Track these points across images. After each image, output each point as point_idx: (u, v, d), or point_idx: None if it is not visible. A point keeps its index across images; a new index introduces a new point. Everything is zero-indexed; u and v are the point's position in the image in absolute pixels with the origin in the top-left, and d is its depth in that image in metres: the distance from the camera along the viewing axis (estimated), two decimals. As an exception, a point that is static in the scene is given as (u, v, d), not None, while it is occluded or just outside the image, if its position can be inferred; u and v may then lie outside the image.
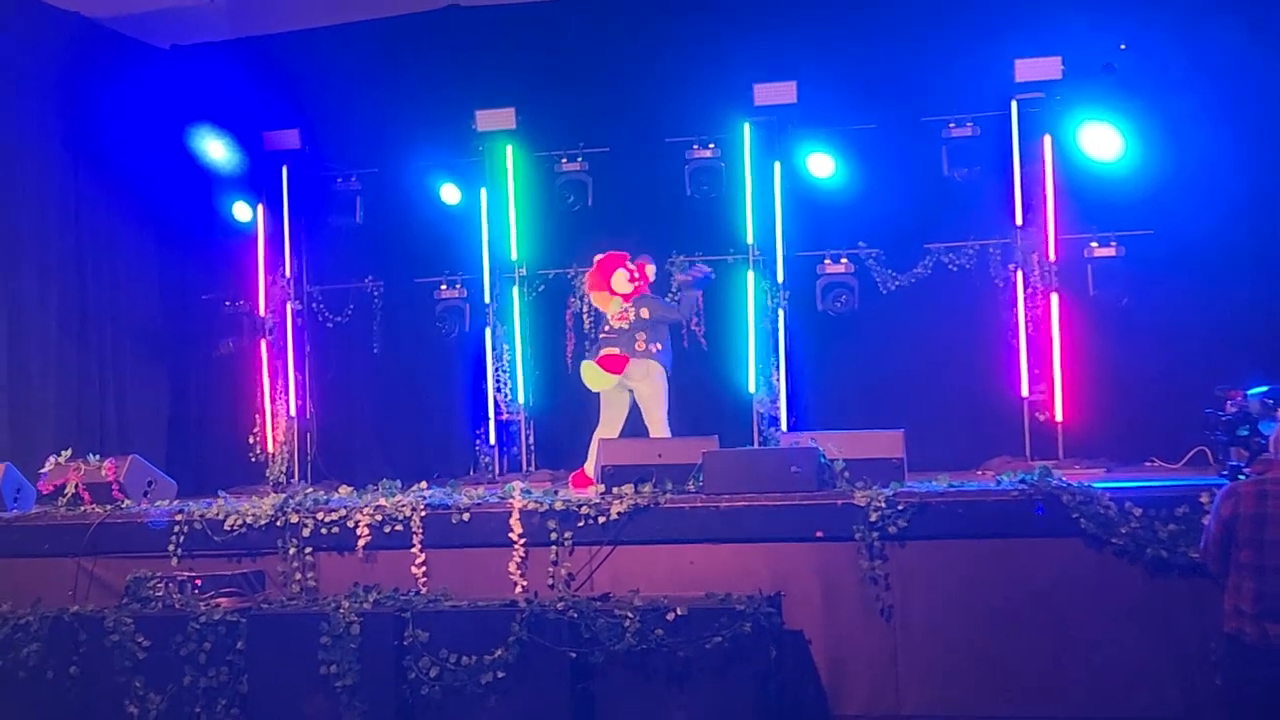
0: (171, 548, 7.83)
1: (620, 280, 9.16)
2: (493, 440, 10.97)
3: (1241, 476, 5.84)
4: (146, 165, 11.51)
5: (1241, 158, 9.71)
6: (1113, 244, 9.84)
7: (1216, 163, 9.69)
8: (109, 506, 8.31)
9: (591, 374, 9.03)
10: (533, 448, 11.12)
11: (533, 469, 10.90)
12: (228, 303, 11.52)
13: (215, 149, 11.37)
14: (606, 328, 9.22)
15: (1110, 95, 9.76)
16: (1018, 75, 9.94)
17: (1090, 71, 9.75)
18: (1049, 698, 6.68)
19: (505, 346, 11.08)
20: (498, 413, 11.01)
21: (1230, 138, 9.71)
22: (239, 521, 7.77)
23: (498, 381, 11.04)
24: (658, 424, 8.99)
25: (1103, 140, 9.79)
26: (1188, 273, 9.84)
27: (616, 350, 8.98)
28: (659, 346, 9.01)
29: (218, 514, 7.84)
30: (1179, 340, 9.86)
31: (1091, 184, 9.97)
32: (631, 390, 9.06)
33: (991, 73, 10.06)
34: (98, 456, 8.71)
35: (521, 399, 11.05)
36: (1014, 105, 10.09)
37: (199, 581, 7.44)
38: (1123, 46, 9.76)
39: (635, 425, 9.16)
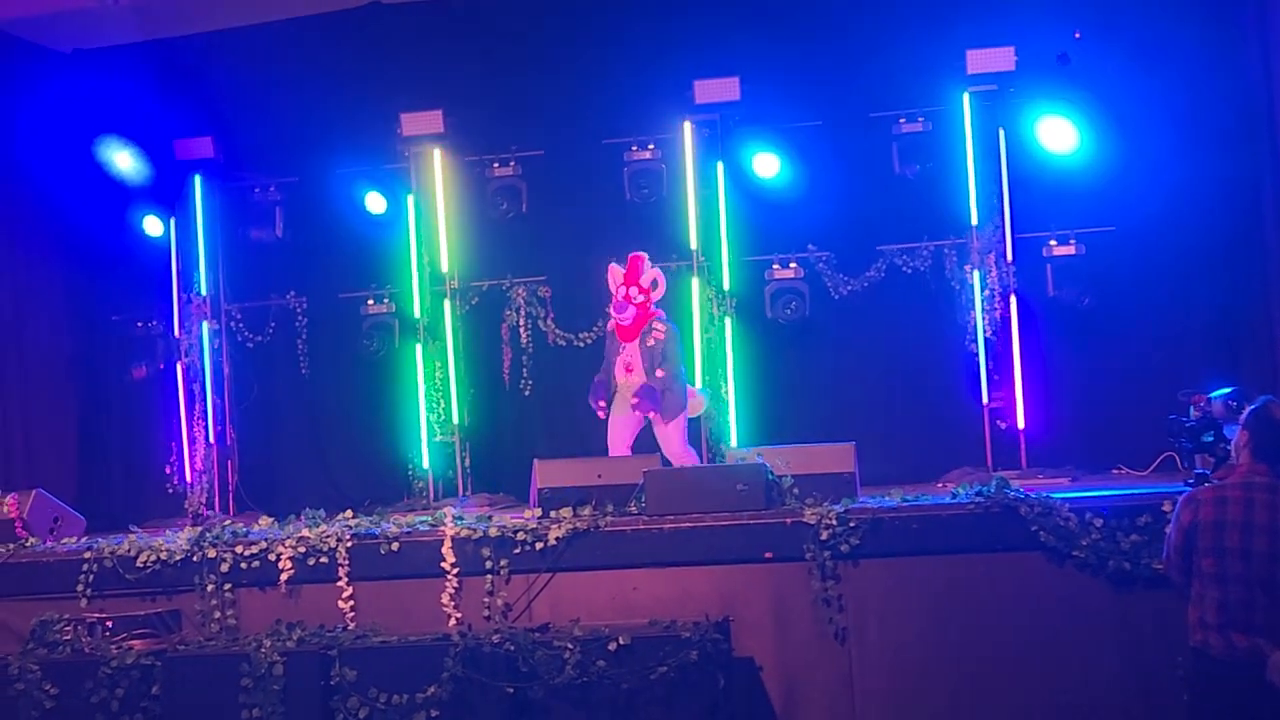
0: (80, 587, 7.76)
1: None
2: (426, 464, 10.88)
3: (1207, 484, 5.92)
4: (49, 178, 11.32)
5: (1201, 150, 9.84)
6: (1072, 242, 9.92)
7: (1176, 155, 9.82)
8: (12, 545, 8.22)
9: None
10: (469, 470, 11.05)
11: (469, 493, 10.86)
12: (140, 323, 11.40)
13: (123, 159, 11.23)
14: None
15: (1066, 86, 9.82)
16: (969, 67, 9.96)
17: (1045, 61, 9.79)
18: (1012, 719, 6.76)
19: (438, 363, 11.01)
20: (431, 434, 10.96)
21: (1188, 129, 9.83)
22: (152, 558, 7.72)
23: (430, 401, 10.98)
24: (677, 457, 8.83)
25: (1059, 133, 9.86)
26: (1150, 270, 10.00)
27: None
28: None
29: (129, 550, 7.79)
30: (1144, 340, 10.03)
31: (1049, 179, 10.04)
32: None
33: (942, 65, 10.07)
34: (-1, 491, 8.63)
35: (456, 419, 10.99)
36: (966, 98, 10.10)
37: (110, 623, 7.38)
38: (1077, 35, 9.85)
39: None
